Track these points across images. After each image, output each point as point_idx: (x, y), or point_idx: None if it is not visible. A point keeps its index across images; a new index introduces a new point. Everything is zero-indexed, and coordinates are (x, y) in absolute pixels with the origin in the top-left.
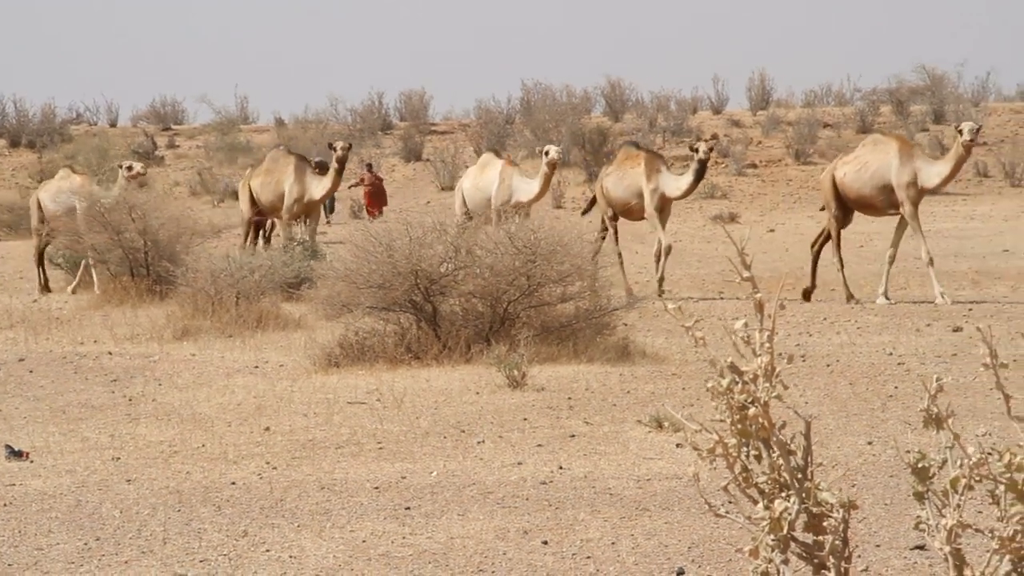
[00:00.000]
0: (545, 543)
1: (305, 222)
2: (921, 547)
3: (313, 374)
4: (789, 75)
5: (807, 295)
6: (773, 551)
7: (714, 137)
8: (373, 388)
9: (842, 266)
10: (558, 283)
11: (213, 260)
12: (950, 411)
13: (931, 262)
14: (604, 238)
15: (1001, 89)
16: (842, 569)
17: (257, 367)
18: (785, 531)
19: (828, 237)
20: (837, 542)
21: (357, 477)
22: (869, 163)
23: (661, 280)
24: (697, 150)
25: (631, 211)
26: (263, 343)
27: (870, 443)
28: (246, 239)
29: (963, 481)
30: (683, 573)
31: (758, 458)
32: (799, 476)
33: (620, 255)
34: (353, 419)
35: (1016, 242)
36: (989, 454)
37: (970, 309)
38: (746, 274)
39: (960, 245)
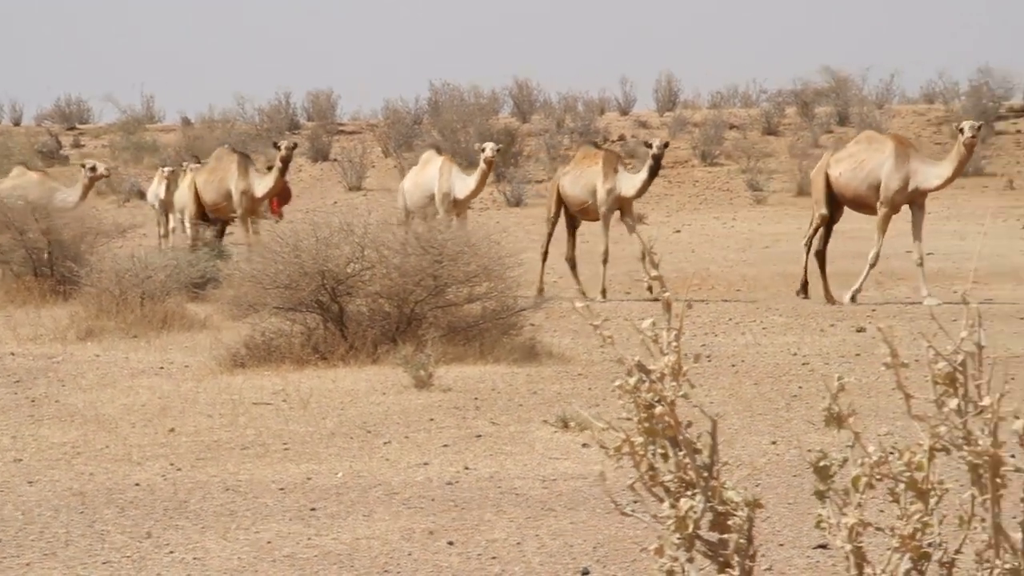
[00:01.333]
0: (451, 543)
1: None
2: (824, 546)
3: (219, 375)
4: (695, 76)
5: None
6: (678, 549)
7: (622, 138)
8: (279, 389)
9: (809, 251)
10: (465, 284)
11: (118, 260)
12: (852, 410)
13: (875, 263)
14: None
15: (905, 91)
16: (746, 567)
17: (162, 368)
18: (690, 529)
19: (816, 233)
20: (741, 541)
21: (262, 478)
22: (865, 162)
23: (603, 280)
24: (651, 146)
25: (587, 211)
26: (168, 344)
27: (774, 442)
28: (195, 239)
29: (864, 480)
30: (588, 573)
31: (664, 456)
32: (705, 475)
33: (546, 255)
34: (259, 420)
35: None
36: (890, 453)
37: (873, 310)
38: (654, 273)
39: (863, 246)
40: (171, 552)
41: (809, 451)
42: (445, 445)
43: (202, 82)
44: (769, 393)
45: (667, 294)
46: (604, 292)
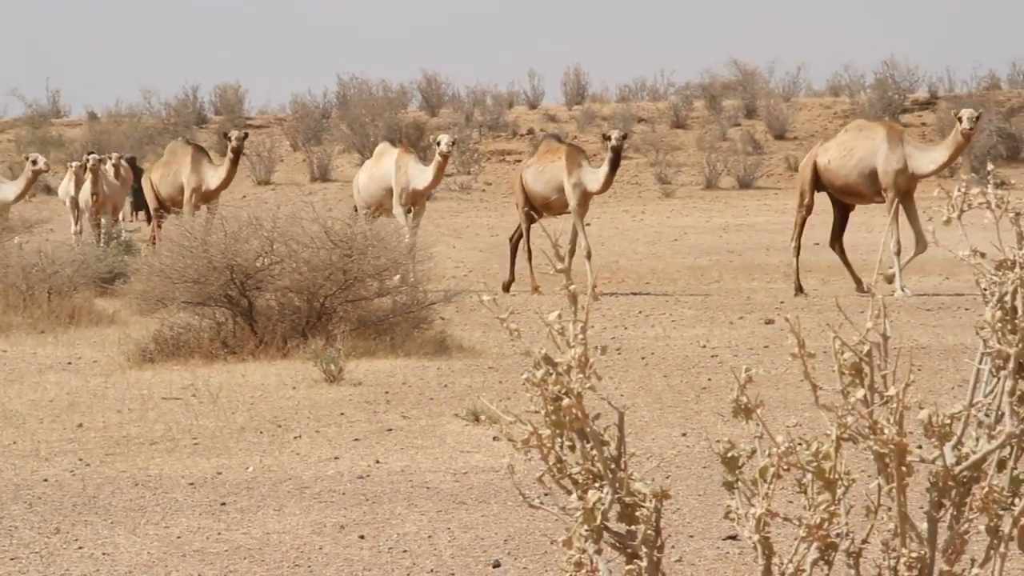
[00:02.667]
0: (362, 537)
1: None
2: (733, 537)
3: (127, 370)
4: (604, 70)
5: (860, 287)
6: (586, 541)
7: (531, 132)
8: (188, 383)
9: (797, 255)
10: (375, 277)
11: (24, 255)
12: (760, 401)
13: (899, 251)
14: (521, 235)
15: (811, 84)
16: (654, 558)
17: (70, 363)
18: (598, 521)
19: (841, 228)
20: (649, 532)
21: (172, 473)
22: (855, 149)
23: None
24: (610, 138)
25: (551, 206)
26: (76, 339)
27: (684, 434)
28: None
29: (772, 470)
30: (499, 565)
31: (572, 449)
32: (612, 466)
33: (530, 252)
34: (168, 415)
35: (826, 235)
36: (798, 443)
37: (782, 302)
38: (560, 266)
39: (772, 239)
40: (80, 547)
41: (718, 442)
42: (356, 439)
43: (108, 76)
44: (679, 385)
45: (573, 287)
46: (594, 288)
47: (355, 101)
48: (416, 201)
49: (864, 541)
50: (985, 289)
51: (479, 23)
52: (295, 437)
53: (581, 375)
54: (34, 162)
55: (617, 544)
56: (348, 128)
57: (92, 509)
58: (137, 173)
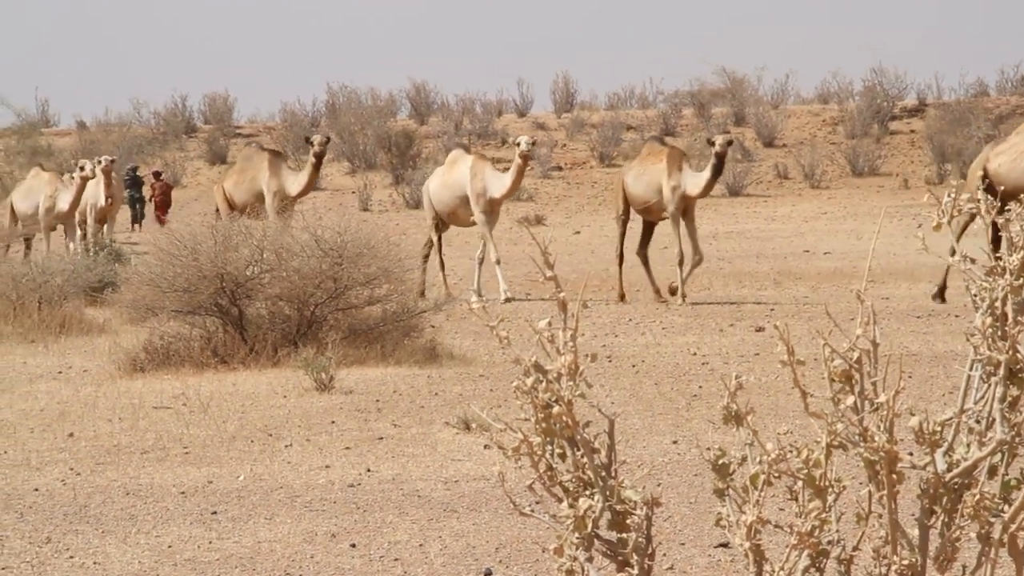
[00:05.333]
0: (353, 546)
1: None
2: (724, 545)
3: (118, 379)
4: (593, 78)
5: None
6: (578, 549)
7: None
8: (179, 392)
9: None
10: (365, 286)
11: (14, 264)
12: (750, 409)
13: None
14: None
15: (800, 92)
16: (645, 566)
17: (60, 372)
18: (589, 529)
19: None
20: (640, 539)
21: (163, 482)
22: None
23: (682, 285)
24: (714, 143)
25: (650, 209)
26: (67, 348)
27: (675, 442)
28: None
29: (762, 477)
30: (491, 573)
31: (562, 456)
32: (603, 474)
33: (622, 257)
34: (159, 424)
35: (816, 243)
36: (788, 450)
37: (772, 309)
38: (549, 273)
39: (762, 246)
40: (71, 557)
41: (708, 449)
42: (347, 447)
43: (97, 85)
44: (669, 393)
45: (563, 294)
46: (679, 292)
47: (344, 110)
48: (492, 209)
49: (855, 548)
50: (975, 295)
51: (468, 31)
52: (286, 446)
53: (571, 382)
54: (81, 168)
55: (608, 552)
56: (337, 137)
57: (83, 518)
58: (137, 182)
